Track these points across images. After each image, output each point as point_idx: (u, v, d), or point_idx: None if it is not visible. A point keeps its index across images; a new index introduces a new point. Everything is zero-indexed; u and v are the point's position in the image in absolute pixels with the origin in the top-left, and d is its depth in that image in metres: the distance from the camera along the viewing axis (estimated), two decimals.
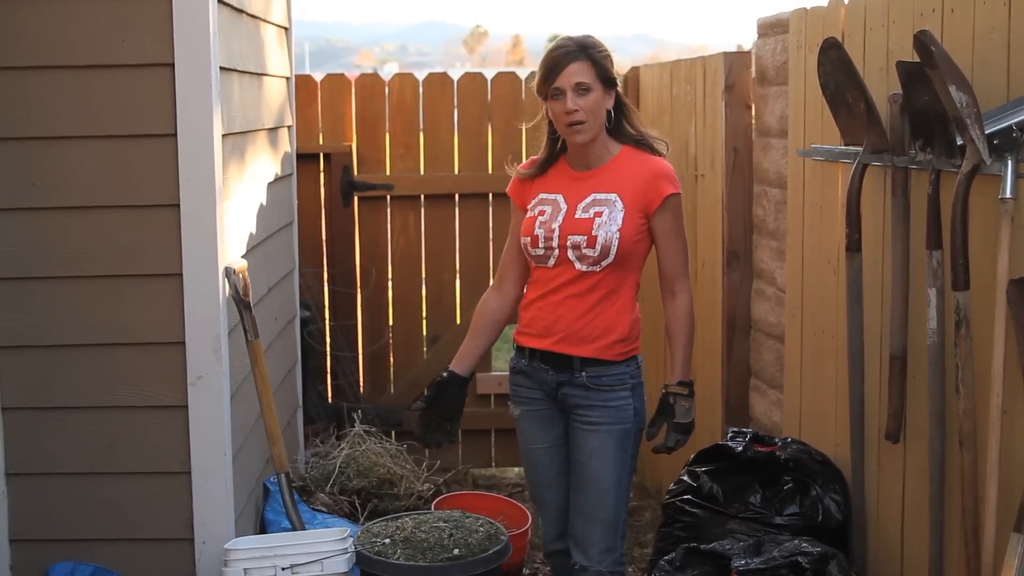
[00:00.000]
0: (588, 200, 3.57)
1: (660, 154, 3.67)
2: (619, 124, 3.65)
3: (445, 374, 3.80)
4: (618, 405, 3.59)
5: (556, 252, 3.57)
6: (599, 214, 3.54)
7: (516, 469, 6.52)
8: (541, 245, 3.59)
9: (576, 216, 3.56)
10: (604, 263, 3.54)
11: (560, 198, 3.61)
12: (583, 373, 3.58)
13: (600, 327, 3.57)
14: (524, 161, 3.79)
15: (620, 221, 3.53)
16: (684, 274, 3.66)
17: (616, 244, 3.51)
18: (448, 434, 3.79)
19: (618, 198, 3.56)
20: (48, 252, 3.80)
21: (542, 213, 3.61)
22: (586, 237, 3.53)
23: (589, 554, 3.63)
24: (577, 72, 3.51)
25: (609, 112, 3.59)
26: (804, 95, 4.09)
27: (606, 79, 3.55)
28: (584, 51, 3.53)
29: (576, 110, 3.51)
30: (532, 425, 3.74)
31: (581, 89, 3.51)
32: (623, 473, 3.64)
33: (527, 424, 3.76)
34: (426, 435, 3.79)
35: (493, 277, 6.41)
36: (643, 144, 3.67)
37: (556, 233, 3.56)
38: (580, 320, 3.57)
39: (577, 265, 3.56)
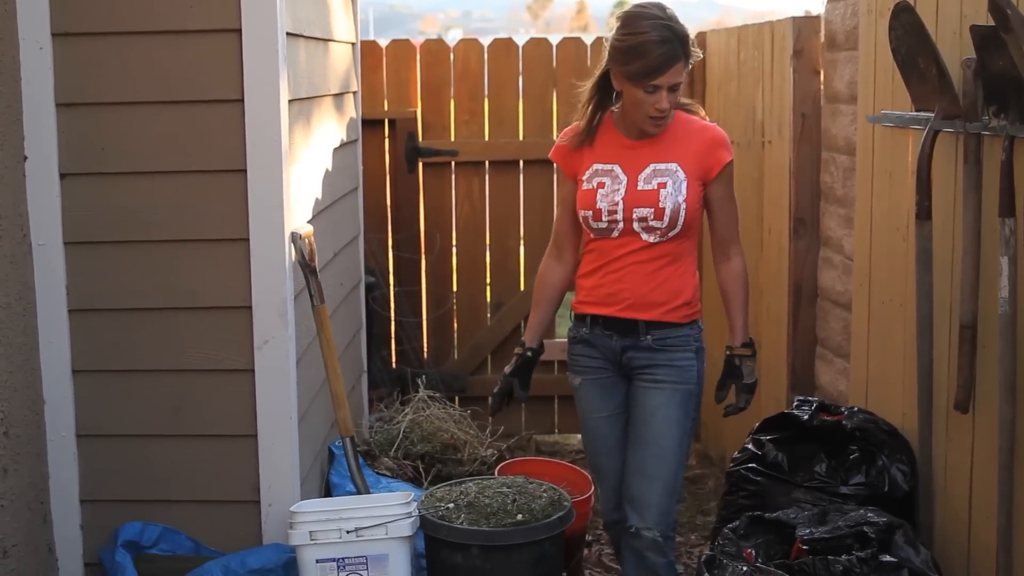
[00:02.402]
0: (648, 171, 3.54)
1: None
2: None
3: (529, 353, 3.85)
4: (683, 365, 3.60)
5: (621, 224, 3.55)
6: (663, 185, 3.51)
7: (579, 435, 6.51)
8: (605, 218, 3.56)
9: (639, 188, 3.53)
10: (671, 234, 3.54)
11: (617, 168, 3.57)
12: (648, 336, 3.59)
13: (667, 292, 3.57)
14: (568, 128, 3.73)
15: (685, 191, 3.52)
16: (737, 238, 3.71)
17: (684, 214, 3.51)
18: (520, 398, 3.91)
19: (679, 168, 3.53)
20: (117, 216, 3.85)
21: (601, 185, 3.57)
22: (653, 209, 3.51)
23: (646, 516, 3.60)
24: (677, 73, 3.44)
25: None
26: (874, 60, 4.03)
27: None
28: (684, 48, 3.44)
29: (667, 107, 3.47)
30: (593, 393, 3.74)
31: (674, 88, 3.46)
32: (683, 434, 3.64)
33: (587, 393, 3.75)
34: (500, 405, 3.91)
35: None
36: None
37: (620, 206, 3.53)
38: (646, 286, 3.57)
39: (643, 236, 3.55)
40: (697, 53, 3.52)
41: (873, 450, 3.72)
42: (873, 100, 4.05)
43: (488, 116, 6.44)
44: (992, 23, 2.97)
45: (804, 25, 4.88)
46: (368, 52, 6.32)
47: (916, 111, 3.61)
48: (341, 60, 5.15)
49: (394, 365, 6.46)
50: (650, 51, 3.40)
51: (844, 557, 3.24)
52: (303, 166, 4.24)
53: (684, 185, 3.52)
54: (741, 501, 3.85)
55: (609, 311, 3.62)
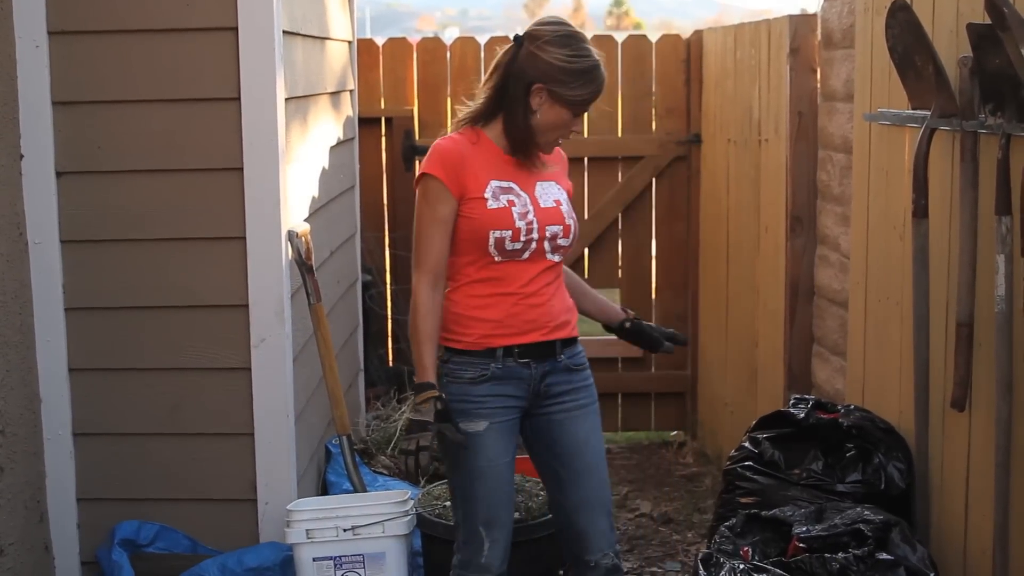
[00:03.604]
0: (539, 188, 3.36)
1: None
2: None
3: (445, 395, 3.27)
4: (591, 383, 3.46)
5: (534, 245, 3.30)
6: (559, 203, 3.37)
7: None
8: (522, 238, 3.27)
9: (543, 206, 3.34)
10: (567, 252, 3.41)
11: (515, 186, 3.32)
12: (563, 355, 3.39)
13: (569, 309, 3.44)
14: (451, 138, 3.38)
15: (572, 208, 3.41)
16: None
17: (578, 232, 3.41)
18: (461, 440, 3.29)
19: (559, 187, 3.42)
20: (113, 215, 3.85)
21: (512, 204, 3.28)
22: (562, 227, 3.34)
23: (602, 543, 3.40)
24: None
25: None
26: (871, 58, 4.03)
27: None
28: None
29: (577, 132, 3.39)
30: (498, 439, 3.32)
31: None
32: (605, 452, 3.51)
33: (493, 439, 3.30)
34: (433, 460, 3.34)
35: None
36: None
37: (536, 225, 3.29)
38: (558, 305, 3.40)
39: (549, 256, 3.34)
40: None
41: (870, 448, 3.72)
42: (870, 98, 4.05)
43: None
44: (989, 21, 2.97)
45: (801, 23, 4.89)
46: (365, 50, 6.32)
47: (913, 109, 3.61)
48: (338, 58, 5.14)
49: (391, 363, 6.46)
50: (598, 76, 3.27)
51: (841, 555, 3.24)
52: (300, 164, 4.24)
53: (569, 202, 3.41)
54: (738, 499, 3.84)
55: (530, 338, 3.32)
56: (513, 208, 3.28)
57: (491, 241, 3.26)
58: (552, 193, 3.38)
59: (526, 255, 3.30)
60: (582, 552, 3.39)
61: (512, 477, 3.38)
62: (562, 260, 3.42)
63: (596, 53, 3.29)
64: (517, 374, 3.33)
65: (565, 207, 3.37)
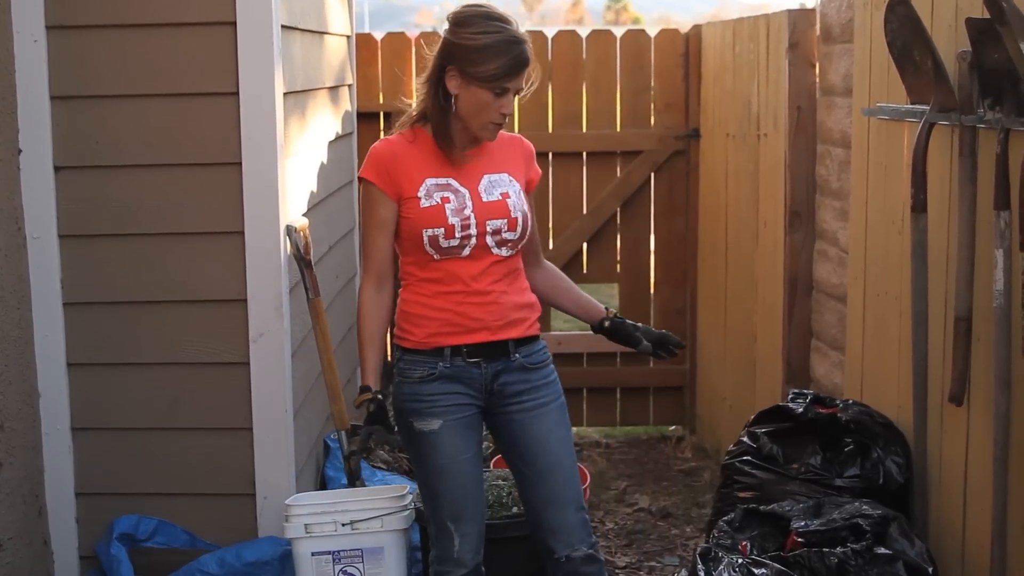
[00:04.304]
0: (484, 181, 3.33)
1: None
2: None
3: (380, 396, 3.33)
4: (554, 380, 3.44)
5: (474, 240, 3.27)
6: (506, 195, 3.32)
7: (573, 428, 6.53)
8: (458, 235, 3.24)
9: (484, 200, 3.31)
10: (520, 245, 3.37)
11: (454, 182, 3.29)
12: (518, 354, 3.36)
13: (523, 305, 3.40)
14: (393, 137, 3.36)
15: (524, 200, 3.38)
16: (540, 245, 3.59)
17: (529, 224, 3.38)
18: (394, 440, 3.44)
19: (511, 177, 3.37)
20: (112, 210, 3.85)
21: (447, 200, 3.25)
22: (506, 220, 3.30)
23: (571, 539, 3.38)
24: (525, 77, 3.27)
25: None
26: (870, 53, 4.03)
27: None
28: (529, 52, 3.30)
29: (511, 112, 3.31)
30: (455, 435, 3.32)
31: (518, 93, 3.29)
32: (573, 446, 3.49)
33: (449, 436, 3.31)
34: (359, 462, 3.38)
35: (553, 239, 6.42)
36: None
37: (473, 220, 3.25)
38: (509, 303, 3.36)
39: (495, 251, 3.31)
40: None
41: (868, 443, 3.73)
42: (868, 93, 4.05)
43: None
44: (987, 16, 2.97)
45: (800, 18, 4.88)
46: (363, 45, 6.32)
47: (911, 104, 3.61)
48: (336, 53, 5.14)
49: (389, 359, 6.45)
50: (507, 51, 3.18)
51: (839, 549, 3.25)
52: (298, 159, 4.24)
53: (521, 194, 3.37)
54: (736, 494, 3.85)
55: (477, 337, 3.31)
56: (447, 205, 3.26)
57: (425, 240, 3.25)
58: (501, 185, 3.34)
59: (466, 252, 3.28)
60: (552, 548, 3.38)
61: (477, 471, 3.38)
62: (514, 254, 3.37)
63: (515, 31, 3.22)
64: (467, 373, 3.32)
65: (513, 199, 3.32)
